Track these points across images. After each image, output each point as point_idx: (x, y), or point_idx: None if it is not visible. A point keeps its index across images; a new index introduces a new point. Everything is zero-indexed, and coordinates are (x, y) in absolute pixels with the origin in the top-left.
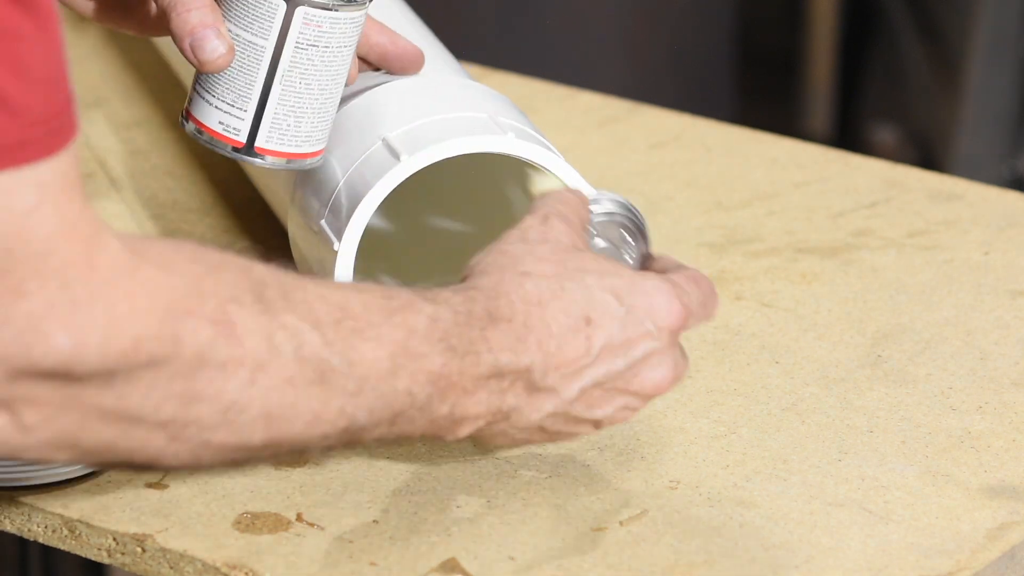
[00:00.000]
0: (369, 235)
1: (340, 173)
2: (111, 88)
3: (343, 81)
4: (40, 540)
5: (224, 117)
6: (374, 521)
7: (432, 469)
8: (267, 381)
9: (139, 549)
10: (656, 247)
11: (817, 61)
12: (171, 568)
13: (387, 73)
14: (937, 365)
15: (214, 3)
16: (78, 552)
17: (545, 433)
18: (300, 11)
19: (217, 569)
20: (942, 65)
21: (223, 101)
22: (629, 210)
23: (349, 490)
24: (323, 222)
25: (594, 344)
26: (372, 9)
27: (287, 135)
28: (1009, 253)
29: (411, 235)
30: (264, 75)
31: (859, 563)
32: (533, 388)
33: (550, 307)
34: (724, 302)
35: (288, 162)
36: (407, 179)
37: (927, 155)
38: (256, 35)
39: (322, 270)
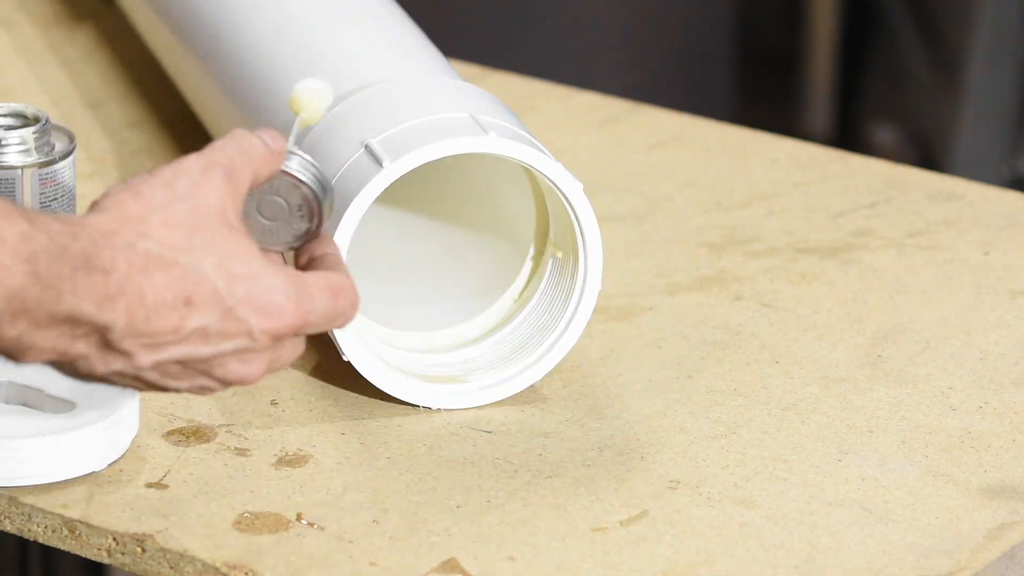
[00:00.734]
0: (356, 239)
1: None
2: (110, 88)
3: None
4: (40, 540)
5: None
6: (374, 521)
7: (432, 469)
8: None
9: (139, 549)
10: (656, 247)
11: (817, 61)
12: (171, 568)
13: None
14: (937, 365)
15: None
16: (78, 552)
17: (126, 379)
18: None
19: (217, 569)
20: (942, 65)
21: None
22: (319, 182)
23: (349, 490)
24: None
25: (186, 325)
26: (359, 5)
27: None
28: (1009, 253)
29: (400, 236)
30: None
31: (859, 563)
32: (107, 346)
33: (154, 277)
34: (724, 302)
35: None
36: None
37: (927, 155)
38: None
39: None
